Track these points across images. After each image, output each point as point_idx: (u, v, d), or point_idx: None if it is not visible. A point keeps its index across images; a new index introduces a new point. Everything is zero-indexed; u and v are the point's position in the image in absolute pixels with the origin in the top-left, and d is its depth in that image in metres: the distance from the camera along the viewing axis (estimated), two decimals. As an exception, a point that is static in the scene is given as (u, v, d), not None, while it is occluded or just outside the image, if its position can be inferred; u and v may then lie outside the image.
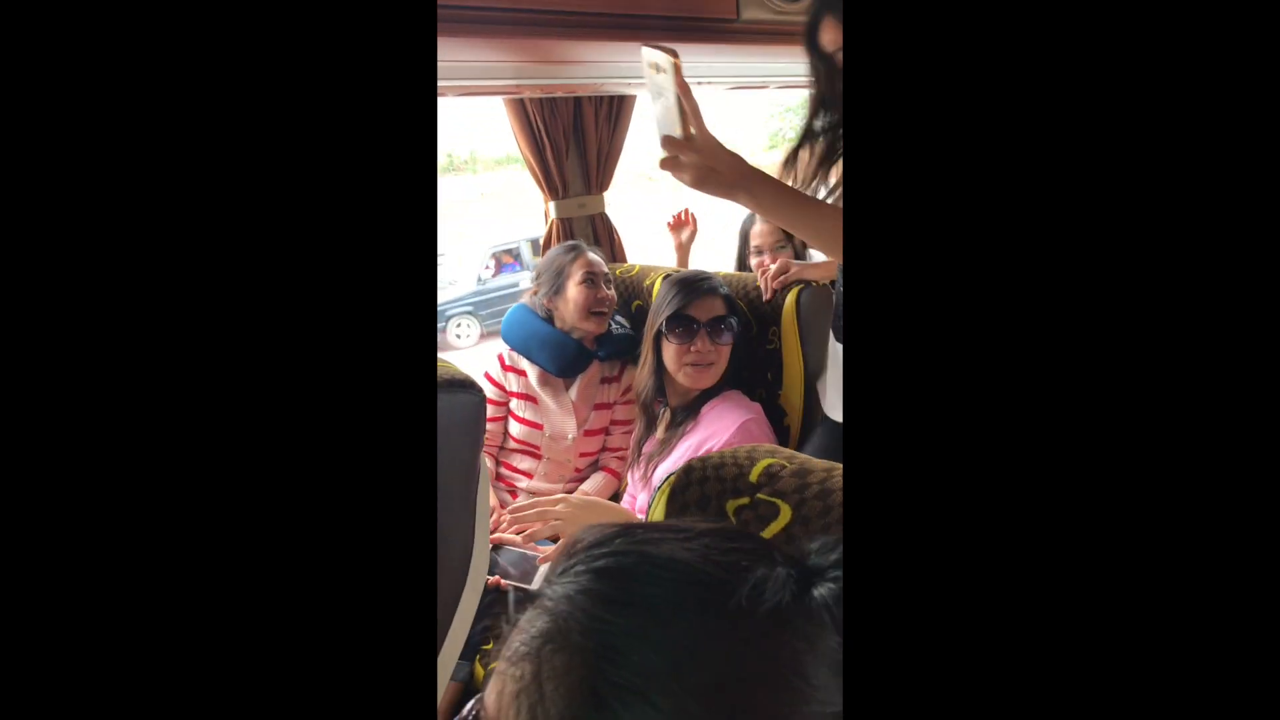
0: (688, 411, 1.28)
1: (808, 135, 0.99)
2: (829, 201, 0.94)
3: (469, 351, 7.63)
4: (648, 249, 2.13)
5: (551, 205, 1.91)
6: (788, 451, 0.53)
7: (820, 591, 0.33)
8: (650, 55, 0.81)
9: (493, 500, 1.61)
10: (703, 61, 1.52)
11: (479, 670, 1.25)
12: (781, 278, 1.39)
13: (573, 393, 1.59)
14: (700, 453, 1.21)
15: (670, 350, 1.27)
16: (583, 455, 1.60)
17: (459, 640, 0.93)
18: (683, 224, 1.90)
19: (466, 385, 0.88)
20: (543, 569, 1.31)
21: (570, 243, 1.65)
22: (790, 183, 0.96)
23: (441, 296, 7.65)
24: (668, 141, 0.82)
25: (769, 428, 1.25)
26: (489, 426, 1.64)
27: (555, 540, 1.48)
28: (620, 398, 1.60)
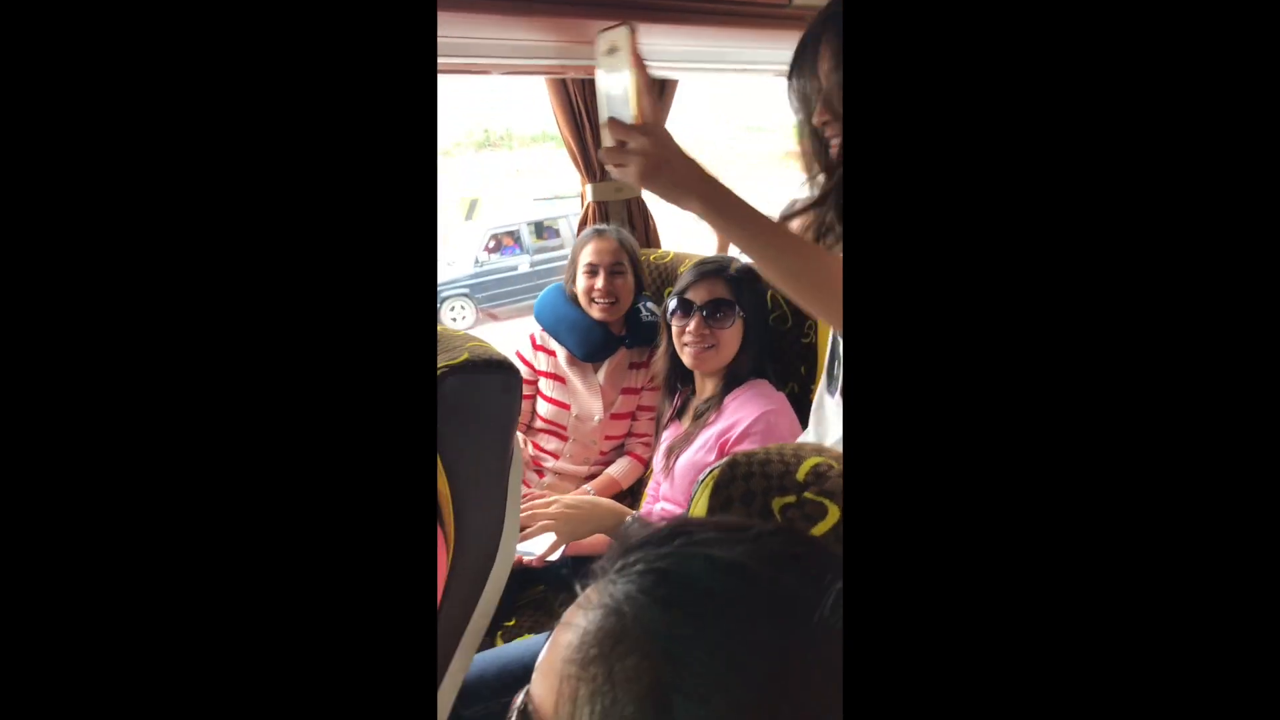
0: (711, 402, 1.29)
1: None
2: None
3: (500, 327, 7.62)
4: (685, 235, 2.13)
5: (588, 188, 1.90)
6: (835, 450, 0.53)
7: None
8: (606, 39, 0.72)
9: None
10: (752, 48, 1.50)
11: (498, 641, 1.27)
12: None
13: (600, 375, 1.60)
14: (720, 444, 1.22)
15: (674, 331, 1.32)
16: (608, 438, 1.61)
17: (488, 613, 0.95)
18: None
19: (502, 365, 0.88)
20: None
21: (595, 227, 1.65)
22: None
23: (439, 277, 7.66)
24: (615, 125, 0.70)
25: (794, 420, 1.24)
26: (517, 404, 1.65)
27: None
28: (648, 383, 1.60)
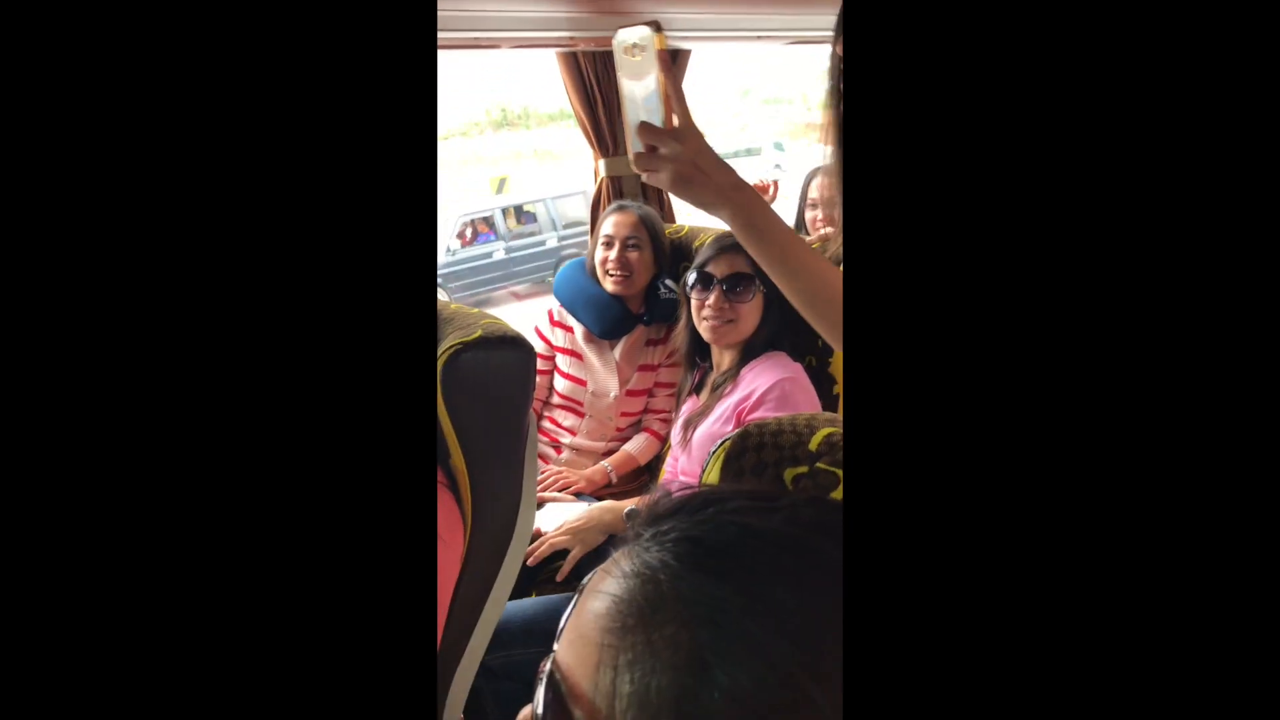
0: (728, 374, 1.29)
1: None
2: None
3: (521, 306, 7.51)
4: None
5: (601, 163, 1.89)
6: (848, 421, 0.52)
7: None
8: (627, 36, 0.68)
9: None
10: (763, 15, 1.47)
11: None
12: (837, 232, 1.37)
13: (617, 352, 1.59)
14: (738, 413, 1.22)
15: (693, 305, 1.32)
16: (624, 415, 1.61)
17: (508, 585, 0.96)
18: (764, 190, 1.90)
19: (515, 342, 0.88)
20: (559, 510, 1.35)
21: (619, 202, 1.64)
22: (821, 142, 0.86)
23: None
24: (647, 130, 0.68)
25: (810, 390, 1.24)
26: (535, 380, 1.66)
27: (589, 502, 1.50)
28: (665, 360, 1.59)
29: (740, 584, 0.31)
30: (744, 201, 0.69)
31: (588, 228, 1.84)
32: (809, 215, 1.92)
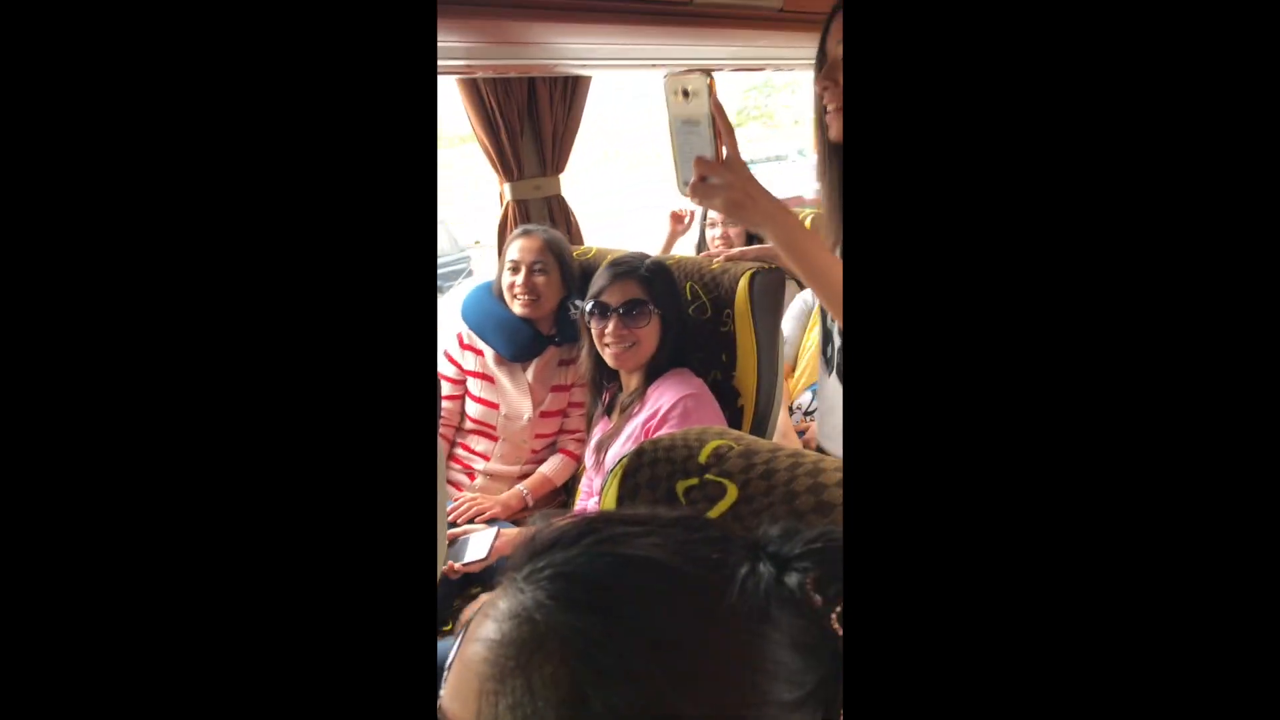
0: (635, 394, 1.33)
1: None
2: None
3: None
4: (607, 231, 2.18)
5: (506, 187, 1.90)
6: (736, 433, 0.55)
7: (792, 580, 0.34)
8: (678, 82, 0.79)
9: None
10: (656, 44, 1.52)
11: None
12: (737, 252, 1.46)
13: (529, 374, 1.60)
14: (645, 431, 1.26)
15: (593, 333, 1.35)
16: (539, 437, 1.61)
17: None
18: (680, 219, 2.07)
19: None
20: (474, 538, 1.34)
21: (524, 226, 1.65)
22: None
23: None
24: (701, 163, 0.78)
25: (713, 405, 1.28)
26: (446, 405, 1.64)
27: (513, 522, 1.50)
28: (578, 380, 1.61)
29: (613, 614, 0.32)
30: (786, 221, 0.81)
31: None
32: (709, 235, 2.00)
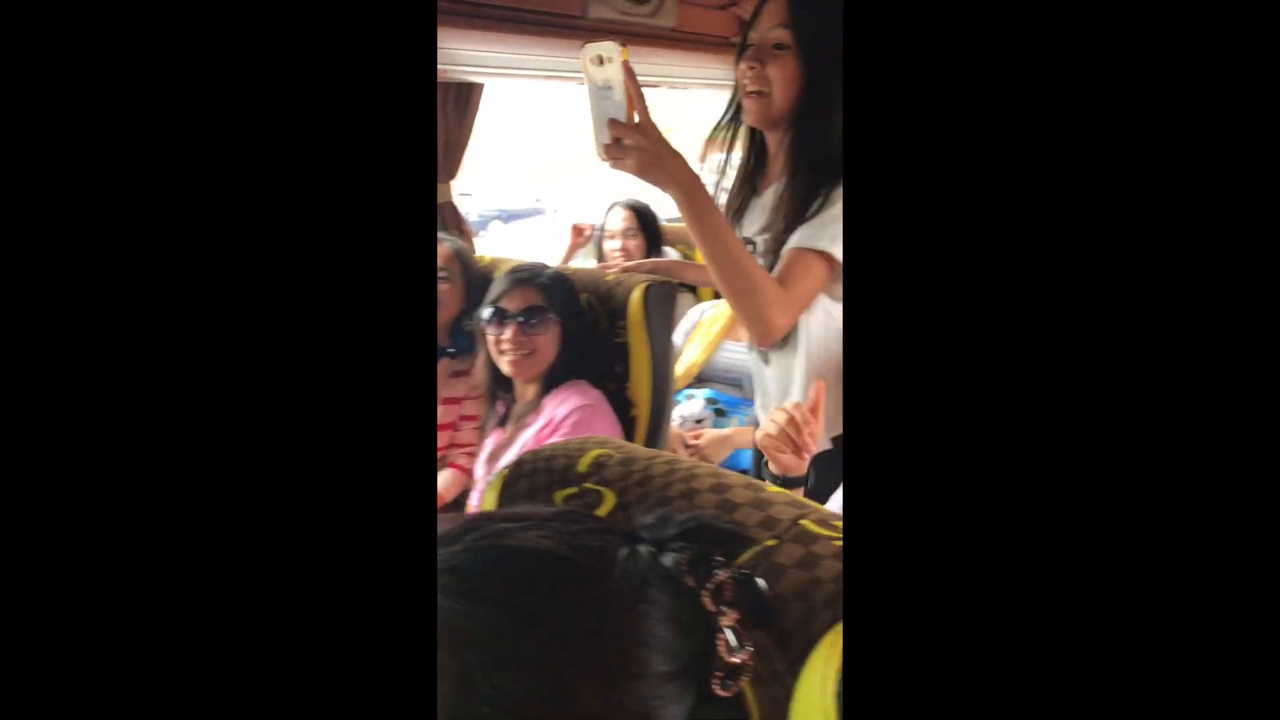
0: (530, 404, 1.31)
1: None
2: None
3: None
4: (500, 240, 2.17)
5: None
6: (618, 442, 0.56)
7: (668, 560, 0.36)
8: (594, 49, 0.83)
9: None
10: (550, 56, 1.52)
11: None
12: (632, 265, 1.48)
13: (420, 387, 1.55)
14: (536, 441, 1.24)
15: (490, 341, 1.32)
16: (430, 451, 1.56)
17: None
18: (580, 231, 2.09)
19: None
20: None
21: None
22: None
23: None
24: (615, 125, 0.83)
25: (610, 415, 1.28)
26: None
27: None
28: (469, 392, 1.57)
29: (502, 603, 0.33)
30: (692, 184, 0.85)
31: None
32: (606, 247, 2.01)
